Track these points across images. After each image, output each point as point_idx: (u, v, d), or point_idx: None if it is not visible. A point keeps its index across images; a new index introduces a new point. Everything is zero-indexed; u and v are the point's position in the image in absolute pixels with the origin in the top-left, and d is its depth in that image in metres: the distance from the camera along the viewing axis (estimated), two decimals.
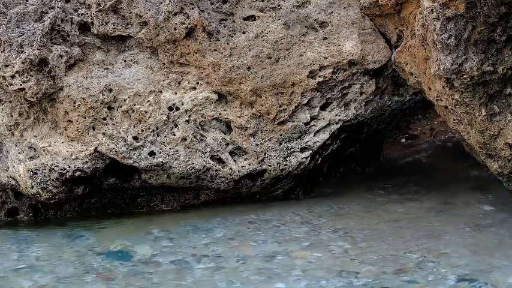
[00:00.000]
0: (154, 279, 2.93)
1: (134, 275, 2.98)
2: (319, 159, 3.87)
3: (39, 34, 3.48)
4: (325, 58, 3.66)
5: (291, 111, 3.68)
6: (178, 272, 2.99)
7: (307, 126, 3.73)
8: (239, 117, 3.65)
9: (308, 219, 3.58)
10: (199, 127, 3.65)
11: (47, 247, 3.35)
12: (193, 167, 3.64)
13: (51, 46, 3.52)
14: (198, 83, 3.64)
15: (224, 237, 3.38)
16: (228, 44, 3.60)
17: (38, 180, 3.54)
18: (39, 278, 2.99)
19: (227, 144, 3.69)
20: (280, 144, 3.71)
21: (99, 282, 2.91)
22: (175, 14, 3.55)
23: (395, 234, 3.32)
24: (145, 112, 3.58)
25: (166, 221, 3.66)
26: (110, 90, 3.56)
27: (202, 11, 3.59)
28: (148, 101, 3.59)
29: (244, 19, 3.66)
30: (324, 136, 3.77)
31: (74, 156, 3.54)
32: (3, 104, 3.61)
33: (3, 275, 3.04)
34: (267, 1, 3.67)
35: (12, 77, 3.47)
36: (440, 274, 2.83)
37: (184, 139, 3.62)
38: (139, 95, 3.59)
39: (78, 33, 3.60)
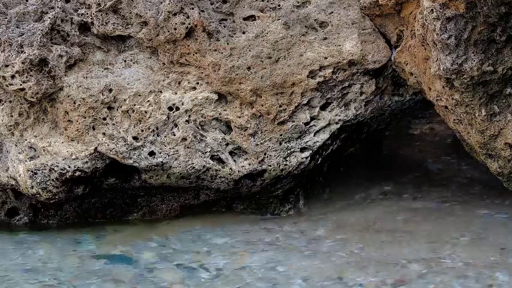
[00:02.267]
0: (159, 283, 2.94)
1: (139, 278, 2.99)
2: (319, 159, 3.87)
3: (39, 34, 3.48)
4: (325, 58, 3.66)
5: (291, 111, 3.68)
6: (182, 277, 3.01)
7: (307, 126, 3.73)
8: (239, 117, 3.65)
9: (307, 229, 3.58)
10: (199, 127, 3.65)
11: (48, 250, 3.35)
12: (193, 167, 3.64)
13: (51, 46, 3.52)
14: (198, 83, 3.64)
15: (224, 247, 3.38)
16: (228, 44, 3.60)
17: (38, 180, 3.54)
18: (41, 280, 2.99)
19: (227, 144, 3.69)
20: (280, 144, 3.71)
21: (104, 285, 2.93)
22: (175, 14, 3.55)
23: (396, 243, 3.31)
24: (145, 112, 3.58)
25: (167, 229, 3.67)
26: (110, 90, 3.56)
27: (202, 11, 3.59)
28: (148, 101, 3.59)
29: (244, 19, 3.66)
30: (324, 136, 3.77)
31: (74, 156, 3.54)
32: (3, 104, 3.61)
33: (5, 275, 3.05)
34: (267, 1, 3.67)
35: (12, 77, 3.47)
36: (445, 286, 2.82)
37: (184, 139, 3.62)
38: (139, 95, 3.59)
39: (78, 33, 3.60)
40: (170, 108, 3.61)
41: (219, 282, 2.97)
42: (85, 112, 3.54)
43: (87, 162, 3.56)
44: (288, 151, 3.72)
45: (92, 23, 3.60)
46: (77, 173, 3.56)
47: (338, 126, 3.78)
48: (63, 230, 3.68)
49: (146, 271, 3.08)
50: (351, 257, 3.17)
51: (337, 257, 3.17)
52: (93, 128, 3.56)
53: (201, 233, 3.58)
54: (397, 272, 2.96)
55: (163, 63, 3.64)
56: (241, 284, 2.93)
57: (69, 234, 3.60)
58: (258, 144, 3.68)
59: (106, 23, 3.59)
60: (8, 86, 3.50)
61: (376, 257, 3.13)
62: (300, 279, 2.96)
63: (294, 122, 3.70)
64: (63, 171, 3.54)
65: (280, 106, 3.66)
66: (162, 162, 3.60)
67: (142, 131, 3.58)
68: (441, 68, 3.12)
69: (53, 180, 3.54)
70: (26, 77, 3.46)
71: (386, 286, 2.85)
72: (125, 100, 3.58)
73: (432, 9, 3.06)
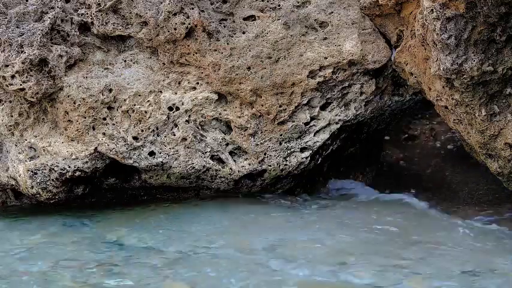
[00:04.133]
0: (155, 266, 2.95)
1: (135, 262, 3.00)
2: (319, 159, 3.87)
3: (39, 34, 3.48)
4: (325, 58, 3.66)
5: (291, 111, 3.68)
6: (179, 258, 3.02)
7: (307, 126, 3.73)
8: (239, 117, 3.65)
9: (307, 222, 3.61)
10: (199, 127, 3.66)
11: (45, 234, 3.38)
12: (193, 167, 3.64)
13: (51, 46, 3.52)
14: (198, 83, 3.64)
15: (225, 227, 3.39)
16: (228, 44, 3.60)
17: (38, 180, 3.54)
18: (38, 264, 3.00)
19: (227, 144, 3.69)
20: (280, 144, 3.71)
21: (101, 269, 2.94)
22: (175, 14, 3.55)
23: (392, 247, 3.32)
24: (145, 112, 3.58)
25: (166, 210, 3.69)
26: (110, 90, 3.56)
27: (202, 11, 3.59)
28: (148, 101, 3.59)
29: (244, 19, 3.66)
30: (324, 136, 3.77)
31: (74, 156, 3.55)
32: (3, 104, 3.62)
33: (2, 260, 3.06)
34: (267, 1, 3.67)
35: (12, 77, 3.47)
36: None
37: (184, 139, 3.62)
38: (139, 95, 3.59)
39: (78, 33, 3.60)
40: (170, 108, 3.61)
41: (219, 260, 3.00)
42: (85, 112, 3.54)
43: (87, 162, 3.56)
44: (288, 151, 3.72)
45: (92, 23, 3.60)
46: (77, 173, 3.56)
47: (338, 126, 3.78)
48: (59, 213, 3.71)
49: (143, 253, 3.10)
50: (350, 241, 3.19)
51: (336, 243, 3.18)
52: (93, 128, 3.56)
53: (201, 214, 3.60)
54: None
55: (164, 63, 3.64)
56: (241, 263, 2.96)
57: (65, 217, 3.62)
58: (258, 144, 3.68)
59: (106, 23, 3.59)
60: (8, 86, 3.50)
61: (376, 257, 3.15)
62: (300, 257, 2.99)
63: (294, 122, 3.70)
64: (63, 171, 3.54)
65: (280, 106, 3.66)
66: (162, 162, 3.60)
67: (142, 131, 3.58)
68: (441, 68, 3.12)
69: (53, 180, 3.54)
70: (26, 77, 3.46)
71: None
72: (125, 100, 3.58)
73: (432, 9, 3.06)
